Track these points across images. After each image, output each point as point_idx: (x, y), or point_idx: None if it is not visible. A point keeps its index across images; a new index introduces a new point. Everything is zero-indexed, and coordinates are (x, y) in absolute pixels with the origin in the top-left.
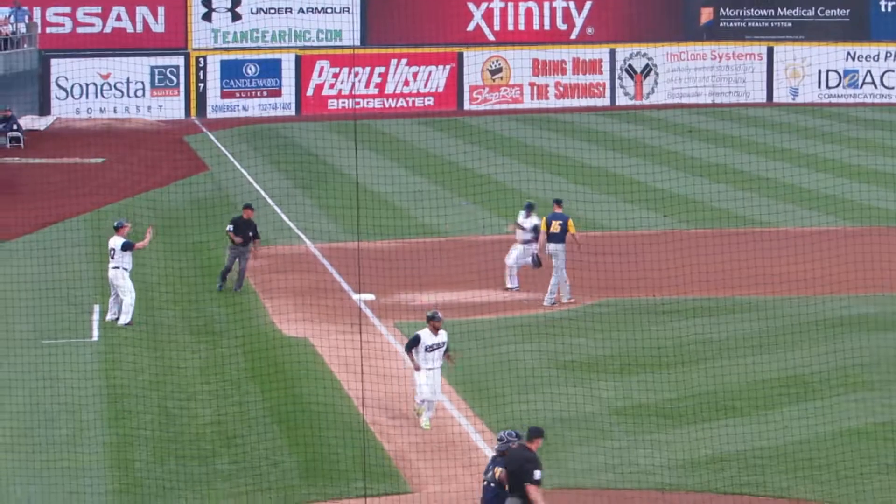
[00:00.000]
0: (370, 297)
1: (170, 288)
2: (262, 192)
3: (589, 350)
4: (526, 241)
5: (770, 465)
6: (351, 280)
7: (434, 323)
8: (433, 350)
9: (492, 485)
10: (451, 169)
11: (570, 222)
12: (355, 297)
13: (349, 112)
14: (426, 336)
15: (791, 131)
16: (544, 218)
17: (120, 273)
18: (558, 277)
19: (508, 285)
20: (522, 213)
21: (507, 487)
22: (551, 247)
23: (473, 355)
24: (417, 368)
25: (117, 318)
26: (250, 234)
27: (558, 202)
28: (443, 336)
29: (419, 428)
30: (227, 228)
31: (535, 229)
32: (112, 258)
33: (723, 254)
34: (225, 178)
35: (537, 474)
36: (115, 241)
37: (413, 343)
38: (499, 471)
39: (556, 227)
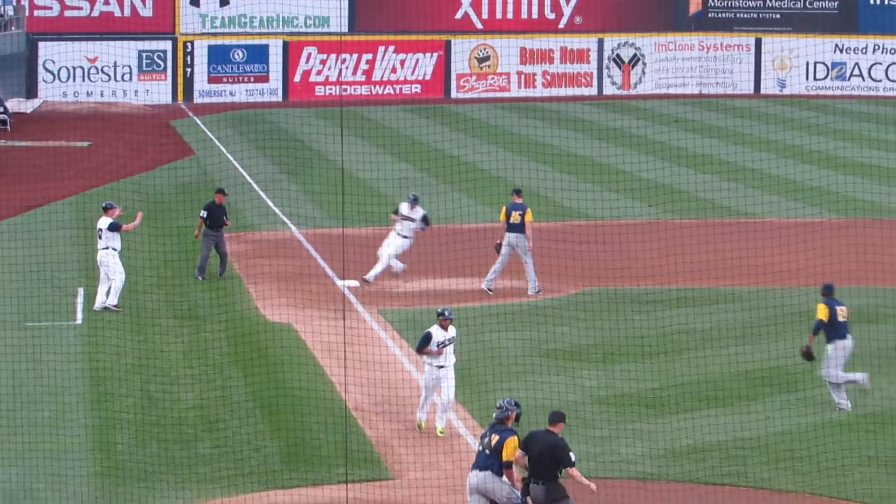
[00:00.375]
0: (354, 283)
1: (154, 272)
2: (248, 178)
3: (572, 339)
4: (405, 235)
5: (752, 456)
6: (335, 266)
7: (442, 321)
8: (443, 346)
9: (486, 451)
10: (437, 156)
11: (529, 211)
12: (339, 283)
13: (336, 98)
14: (437, 333)
15: (778, 123)
16: (504, 207)
17: (109, 253)
18: (531, 265)
19: (391, 271)
20: (406, 205)
21: (512, 467)
22: (511, 237)
23: (456, 342)
24: (431, 357)
25: (105, 307)
26: (224, 217)
27: (518, 192)
28: (452, 332)
29: (417, 429)
30: (201, 214)
31: (425, 219)
32: (100, 238)
33: (707, 244)
34: (211, 162)
35: (573, 456)
36: (103, 222)
37: (425, 341)
38: (495, 438)
39: (515, 217)
